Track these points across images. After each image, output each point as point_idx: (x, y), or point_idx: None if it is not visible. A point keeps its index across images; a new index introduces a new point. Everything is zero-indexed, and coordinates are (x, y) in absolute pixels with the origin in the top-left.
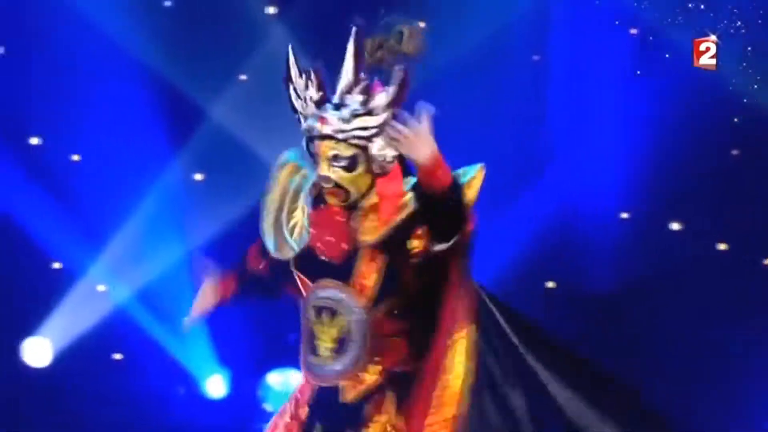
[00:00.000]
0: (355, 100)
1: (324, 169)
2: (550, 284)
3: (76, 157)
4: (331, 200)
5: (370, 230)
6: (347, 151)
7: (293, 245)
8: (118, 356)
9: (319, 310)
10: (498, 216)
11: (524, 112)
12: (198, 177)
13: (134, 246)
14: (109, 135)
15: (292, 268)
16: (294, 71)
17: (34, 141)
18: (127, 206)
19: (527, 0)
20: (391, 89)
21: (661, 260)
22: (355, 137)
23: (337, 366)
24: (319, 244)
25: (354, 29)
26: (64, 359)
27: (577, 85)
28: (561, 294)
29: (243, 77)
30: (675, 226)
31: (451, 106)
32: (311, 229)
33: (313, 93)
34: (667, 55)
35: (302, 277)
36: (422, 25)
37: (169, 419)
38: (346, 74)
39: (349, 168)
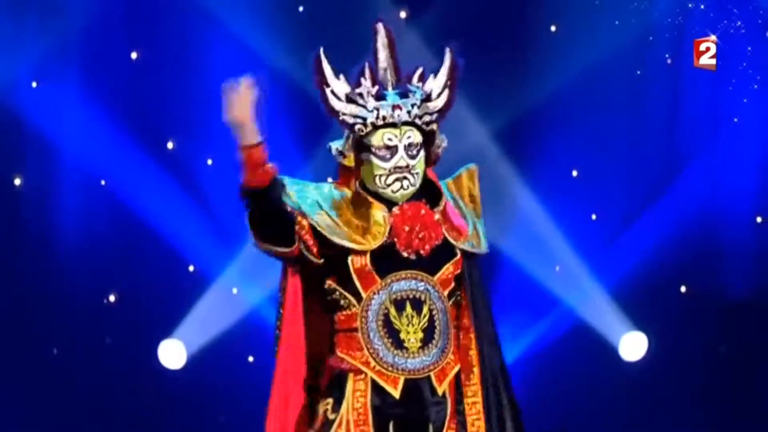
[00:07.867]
0: (415, 86)
1: (404, 158)
2: (683, 288)
3: (209, 161)
4: (400, 191)
5: (454, 232)
6: (417, 138)
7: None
8: (251, 359)
9: (402, 303)
10: (633, 219)
11: (658, 116)
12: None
13: None
14: None
15: (366, 265)
16: (329, 73)
17: (170, 145)
18: None
19: (661, 4)
20: (445, 71)
21: None
22: (429, 122)
23: (425, 357)
24: (414, 239)
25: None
26: (199, 361)
27: (710, 88)
28: (694, 298)
29: None
30: None
31: (585, 110)
32: (398, 225)
33: (370, 87)
34: None
35: (372, 273)
36: (553, 29)
37: None
38: (388, 64)
39: (417, 155)
